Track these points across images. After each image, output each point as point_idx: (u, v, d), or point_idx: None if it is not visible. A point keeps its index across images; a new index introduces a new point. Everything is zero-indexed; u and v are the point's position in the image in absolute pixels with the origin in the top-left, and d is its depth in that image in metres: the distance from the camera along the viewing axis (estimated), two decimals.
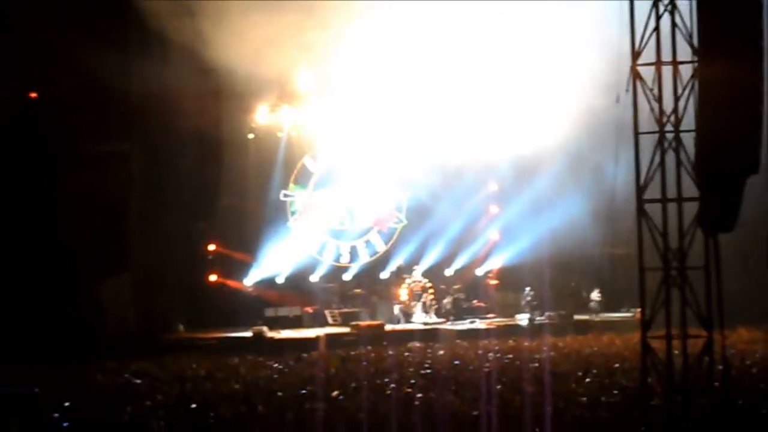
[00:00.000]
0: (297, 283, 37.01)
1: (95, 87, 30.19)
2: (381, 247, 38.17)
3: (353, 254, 37.98)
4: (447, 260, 37.89)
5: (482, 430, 15.29)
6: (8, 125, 30.08)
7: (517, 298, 36.93)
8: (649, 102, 16.23)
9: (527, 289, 36.47)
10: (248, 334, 32.27)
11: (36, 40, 29.61)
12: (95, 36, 29.86)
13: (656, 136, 16.20)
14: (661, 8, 16.17)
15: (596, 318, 35.49)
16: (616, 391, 17.72)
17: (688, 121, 15.74)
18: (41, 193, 30.86)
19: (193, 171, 35.32)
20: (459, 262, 38.11)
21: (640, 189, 16.19)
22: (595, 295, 36.86)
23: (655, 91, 16.19)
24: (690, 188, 15.81)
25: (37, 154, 30.69)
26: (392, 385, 19.09)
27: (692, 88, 15.58)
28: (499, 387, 18.30)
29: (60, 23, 30.02)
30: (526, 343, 27.55)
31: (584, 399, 16.86)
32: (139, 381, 21.40)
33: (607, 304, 36.70)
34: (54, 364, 24.16)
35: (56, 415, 16.62)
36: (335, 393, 17.89)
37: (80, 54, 29.30)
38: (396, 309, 35.85)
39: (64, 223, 31.35)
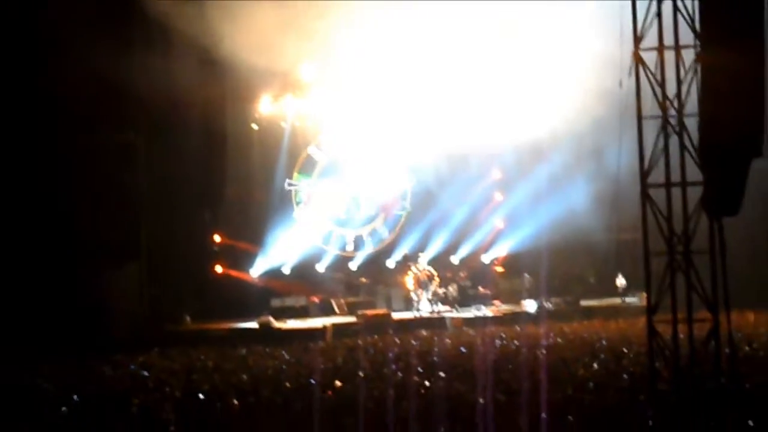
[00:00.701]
0: (303, 272, 37.04)
1: (102, 79, 30.18)
2: (386, 235, 38.16)
3: (358, 243, 37.99)
4: (452, 248, 37.90)
5: (489, 416, 15.28)
6: (15, 116, 30.09)
7: (522, 284, 36.93)
8: (652, 86, 16.18)
9: (525, 275, 36.48)
10: (255, 325, 32.28)
11: (43, 33, 29.62)
12: (101, 29, 29.85)
13: (660, 120, 16.17)
14: None
15: (603, 302, 35.38)
16: (624, 376, 17.71)
17: (692, 105, 15.71)
18: (49, 184, 30.84)
19: (198, 161, 35.31)
20: (464, 250, 38.12)
21: (644, 174, 16.15)
22: (621, 280, 36.40)
23: (658, 75, 16.16)
24: (694, 172, 15.77)
25: (44, 145, 30.68)
26: (399, 374, 19.11)
27: (695, 72, 15.54)
28: (505, 374, 18.30)
29: (67, 17, 29.99)
30: (532, 330, 27.55)
31: (592, 384, 16.85)
32: (146, 373, 21.41)
33: (611, 289, 36.49)
34: (61, 357, 24.16)
35: (64, 408, 16.65)
36: (341, 383, 17.89)
37: (86, 46, 29.30)
38: (414, 297, 35.36)
39: (71, 214, 31.34)
